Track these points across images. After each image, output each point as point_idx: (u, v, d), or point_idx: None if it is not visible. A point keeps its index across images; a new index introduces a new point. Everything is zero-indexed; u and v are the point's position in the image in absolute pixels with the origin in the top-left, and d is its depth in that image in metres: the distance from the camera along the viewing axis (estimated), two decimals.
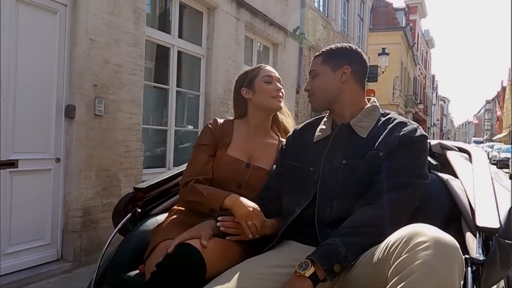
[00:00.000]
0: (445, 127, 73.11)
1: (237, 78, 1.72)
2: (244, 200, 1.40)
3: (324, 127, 1.46)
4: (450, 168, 1.63)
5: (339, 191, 1.30)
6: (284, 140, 1.64)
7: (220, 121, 1.66)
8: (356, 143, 1.35)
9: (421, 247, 0.93)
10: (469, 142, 58.51)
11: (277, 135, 1.73)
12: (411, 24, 24.73)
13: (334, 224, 1.24)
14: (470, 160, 1.62)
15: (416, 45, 27.82)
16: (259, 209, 1.39)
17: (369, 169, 1.29)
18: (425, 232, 0.96)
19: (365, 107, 1.42)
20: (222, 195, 1.42)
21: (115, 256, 1.51)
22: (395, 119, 1.39)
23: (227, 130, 1.62)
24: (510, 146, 19.90)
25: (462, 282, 1.01)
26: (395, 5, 23.77)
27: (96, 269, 1.47)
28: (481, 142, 46.47)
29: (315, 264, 1.10)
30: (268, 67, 1.69)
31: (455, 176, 1.55)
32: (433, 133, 47.41)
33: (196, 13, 5.12)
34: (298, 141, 1.51)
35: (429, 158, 1.63)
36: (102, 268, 1.49)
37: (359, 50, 1.47)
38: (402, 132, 1.31)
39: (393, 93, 19.97)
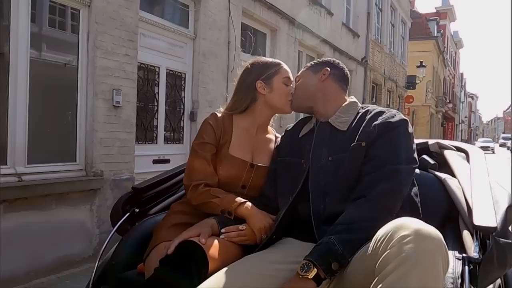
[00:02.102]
0: (473, 124, 73.80)
1: (249, 67, 1.63)
2: (260, 212, 1.43)
3: (309, 123, 1.52)
4: (447, 167, 1.63)
5: (329, 187, 1.32)
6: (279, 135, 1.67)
7: (220, 116, 1.60)
8: (338, 138, 1.37)
9: (404, 241, 0.93)
10: (498, 138, 58.48)
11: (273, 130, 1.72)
12: (442, 31, 27.06)
13: (330, 220, 1.25)
14: (468, 160, 1.62)
15: (446, 49, 30.07)
16: (271, 221, 1.41)
17: (354, 161, 1.30)
18: (408, 225, 0.96)
19: (343, 104, 1.45)
20: (237, 200, 1.44)
21: (113, 256, 1.51)
22: (373, 109, 1.40)
23: (227, 126, 1.57)
24: None
25: (460, 280, 1.05)
26: (424, 11, 26.14)
27: (95, 269, 1.47)
28: (510, 139, 47.31)
29: (315, 265, 1.10)
30: (286, 67, 1.64)
31: (453, 175, 1.56)
32: (461, 130, 49.03)
33: (310, 59, 8.06)
34: (289, 139, 1.55)
35: (427, 157, 1.69)
36: (100, 267, 1.49)
37: (341, 63, 1.57)
38: (380, 120, 1.32)
39: (426, 95, 22.46)
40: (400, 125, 1.32)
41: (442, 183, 1.54)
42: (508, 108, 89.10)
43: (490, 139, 46.74)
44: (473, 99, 73.15)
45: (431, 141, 1.82)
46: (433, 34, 24.26)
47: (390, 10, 13.37)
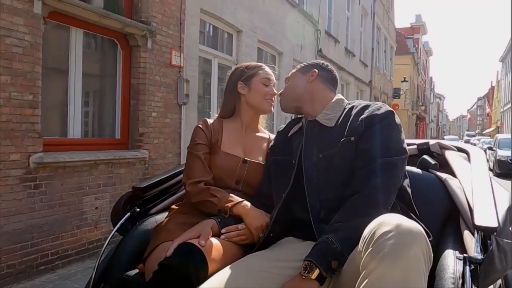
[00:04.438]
0: (441, 122, 79.94)
1: (233, 71, 1.72)
2: (257, 211, 1.45)
3: (299, 123, 1.53)
4: (448, 167, 1.63)
5: (322, 185, 1.32)
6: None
7: (210, 121, 1.66)
8: (327, 135, 1.37)
9: (385, 237, 0.94)
10: (463, 136, 63.01)
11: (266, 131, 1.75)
12: (416, 46, 31.89)
13: (328, 217, 1.25)
14: (469, 160, 1.62)
15: (419, 59, 35.02)
16: (268, 220, 1.42)
17: (345, 156, 1.30)
18: (389, 221, 0.97)
19: (330, 102, 1.46)
20: (235, 199, 1.47)
21: (114, 255, 1.52)
22: (359, 104, 1.40)
23: (216, 128, 1.63)
24: (491, 139, 24.95)
25: (461, 281, 1.04)
26: (400, 25, 30.83)
27: (95, 268, 1.47)
28: (473, 136, 51.93)
29: (315, 265, 1.10)
30: (268, 69, 1.69)
31: (454, 175, 1.56)
32: (431, 128, 54.63)
33: (343, 87, 12.17)
34: (281, 139, 1.57)
35: (428, 158, 1.71)
36: (101, 267, 1.49)
37: (330, 66, 1.57)
38: (366, 114, 1.32)
39: (405, 101, 27.10)
40: (387, 116, 1.31)
41: (443, 183, 1.53)
42: (472, 107, 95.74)
43: (456, 137, 49.93)
44: (440, 99, 79.05)
45: (432, 141, 1.83)
46: (410, 50, 29.02)
47: (384, 41, 17.71)
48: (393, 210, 1.21)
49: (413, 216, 1.29)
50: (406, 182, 1.37)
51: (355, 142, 1.30)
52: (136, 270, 1.45)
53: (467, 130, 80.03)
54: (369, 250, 0.96)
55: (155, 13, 4.17)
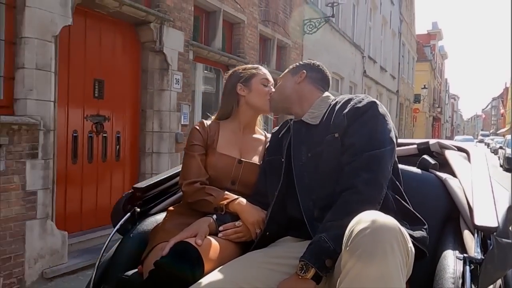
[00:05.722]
0: (455, 122, 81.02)
1: (230, 73, 1.75)
2: (252, 207, 1.48)
3: (288, 124, 1.54)
4: (448, 167, 1.63)
5: (314, 183, 1.33)
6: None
7: (207, 122, 1.69)
8: (313, 133, 1.39)
9: (361, 235, 0.95)
10: (477, 135, 63.03)
11: (264, 132, 1.78)
12: (433, 53, 34.29)
13: (322, 216, 1.25)
14: (469, 160, 1.63)
15: (436, 65, 37.37)
16: (264, 216, 1.45)
17: (331, 153, 1.31)
18: (365, 219, 0.98)
19: (315, 101, 1.46)
20: (230, 196, 1.49)
21: (114, 255, 1.52)
22: (342, 99, 1.40)
23: (213, 130, 1.66)
24: (503, 139, 25.69)
25: (461, 280, 1.06)
26: (418, 31, 33.26)
27: (95, 268, 1.48)
28: (488, 135, 51.74)
29: (309, 265, 1.11)
30: (265, 70, 1.73)
31: (454, 175, 1.56)
32: (446, 128, 56.50)
33: (378, 96, 14.85)
34: (273, 140, 1.62)
35: (428, 157, 1.71)
36: (101, 267, 1.50)
37: (321, 65, 1.56)
38: (348, 108, 1.32)
39: (423, 104, 29.60)
40: (369, 108, 1.30)
41: (443, 183, 1.54)
42: (487, 107, 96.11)
43: (471, 137, 48.96)
44: (455, 100, 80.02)
45: (432, 141, 1.83)
46: (428, 57, 31.52)
47: (407, 54, 20.33)
48: (385, 201, 1.23)
49: (406, 205, 1.32)
50: (397, 171, 1.37)
51: (340, 138, 1.30)
52: (136, 270, 1.46)
53: (482, 130, 79.89)
54: (347, 249, 0.97)
55: None
